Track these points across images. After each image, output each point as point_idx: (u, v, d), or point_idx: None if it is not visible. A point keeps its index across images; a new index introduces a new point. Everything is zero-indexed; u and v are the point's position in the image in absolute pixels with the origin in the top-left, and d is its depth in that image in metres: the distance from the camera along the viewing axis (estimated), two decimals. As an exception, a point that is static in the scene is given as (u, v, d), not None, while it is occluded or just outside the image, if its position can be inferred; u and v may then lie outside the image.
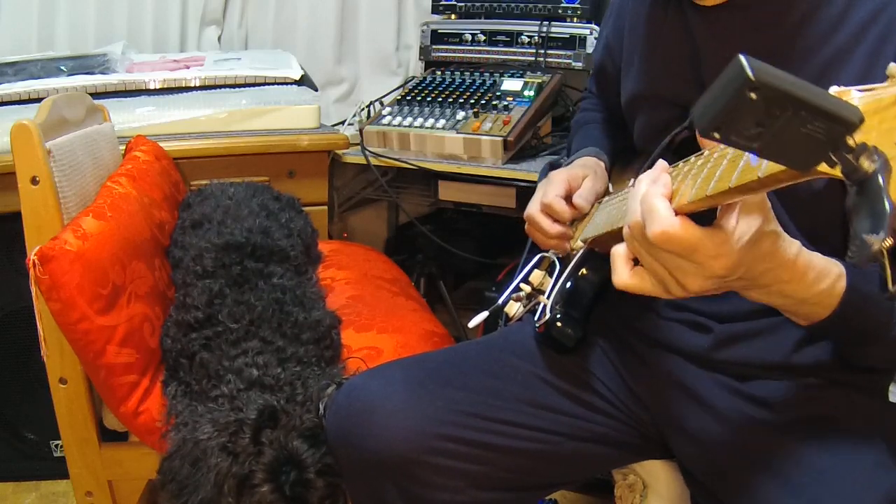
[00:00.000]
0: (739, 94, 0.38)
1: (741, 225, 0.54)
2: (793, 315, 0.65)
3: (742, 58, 0.37)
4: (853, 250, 0.38)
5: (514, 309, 0.96)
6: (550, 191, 0.87)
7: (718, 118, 0.39)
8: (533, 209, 0.88)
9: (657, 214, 0.55)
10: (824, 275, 0.60)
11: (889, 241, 0.36)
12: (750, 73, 0.37)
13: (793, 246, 0.59)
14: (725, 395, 0.77)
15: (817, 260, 0.60)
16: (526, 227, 0.91)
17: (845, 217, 0.68)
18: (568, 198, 0.87)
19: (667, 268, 0.57)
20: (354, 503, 0.84)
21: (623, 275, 0.62)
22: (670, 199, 0.55)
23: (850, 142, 0.38)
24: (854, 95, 0.40)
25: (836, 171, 0.39)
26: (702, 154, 0.56)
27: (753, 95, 0.37)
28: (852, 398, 0.72)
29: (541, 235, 0.89)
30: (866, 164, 0.38)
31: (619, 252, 0.62)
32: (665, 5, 0.79)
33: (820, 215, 0.68)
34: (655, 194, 0.56)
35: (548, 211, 0.87)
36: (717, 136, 0.40)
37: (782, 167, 0.42)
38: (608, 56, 0.97)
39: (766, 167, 0.44)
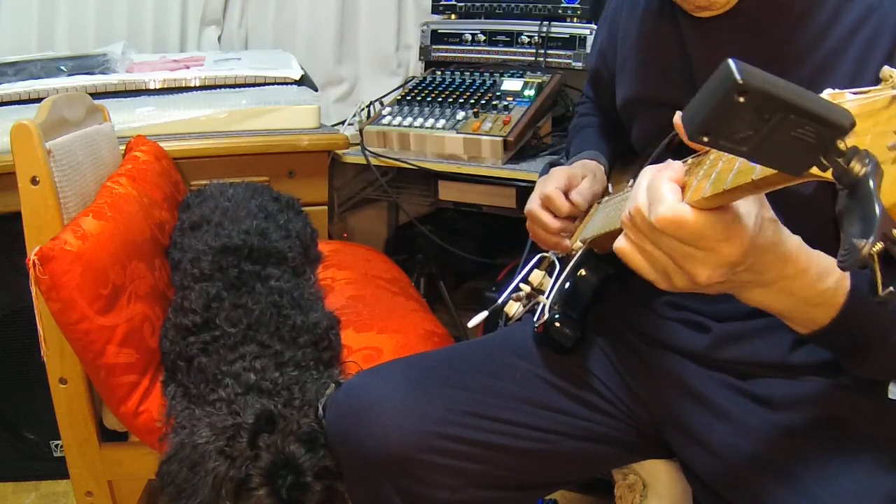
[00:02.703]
0: (728, 97, 0.37)
1: (743, 207, 0.52)
2: (794, 321, 0.62)
3: (731, 62, 0.37)
4: (843, 255, 0.37)
5: (513, 309, 0.96)
6: (550, 183, 0.87)
7: (707, 122, 0.39)
8: (533, 204, 0.89)
9: (662, 198, 0.52)
10: (828, 272, 0.58)
11: (878, 246, 0.36)
12: (738, 77, 0.36)
13: (792, 239, 0.57)
14: (726, 393, 0.77)
15: (818, 257, 0.58)
16: (527, 223, 0.91)
17: (836, 223, 0.68)
18: (567, 194, 0.87)
19: (672, 257, 0.54)
20: (354, 503, 0.84)
21: (622, 240, 0.58)
22: (682, 189, 0.53)
23: (841, 145, 0.38)
24: (848, 98, 0.40)
25: (828, 175, 0.39)
26: (698, 155, 0.55)
27: (742, 99, 0.37)
28: (852, 397, 0.71)
29: (541, 231, 0.89)
30: (857, 168, 0.37)
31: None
32: (658, 12, 0.79)
33: (811, 221, 0.68)
34: (663, 178, 0.53)
35: (547, 203, 0.87)
36: (705, 140, 0.39)
37: (774, 170, 0.42)
38: (602, 61, 0.97)
39: (760, 169, 0.43)
